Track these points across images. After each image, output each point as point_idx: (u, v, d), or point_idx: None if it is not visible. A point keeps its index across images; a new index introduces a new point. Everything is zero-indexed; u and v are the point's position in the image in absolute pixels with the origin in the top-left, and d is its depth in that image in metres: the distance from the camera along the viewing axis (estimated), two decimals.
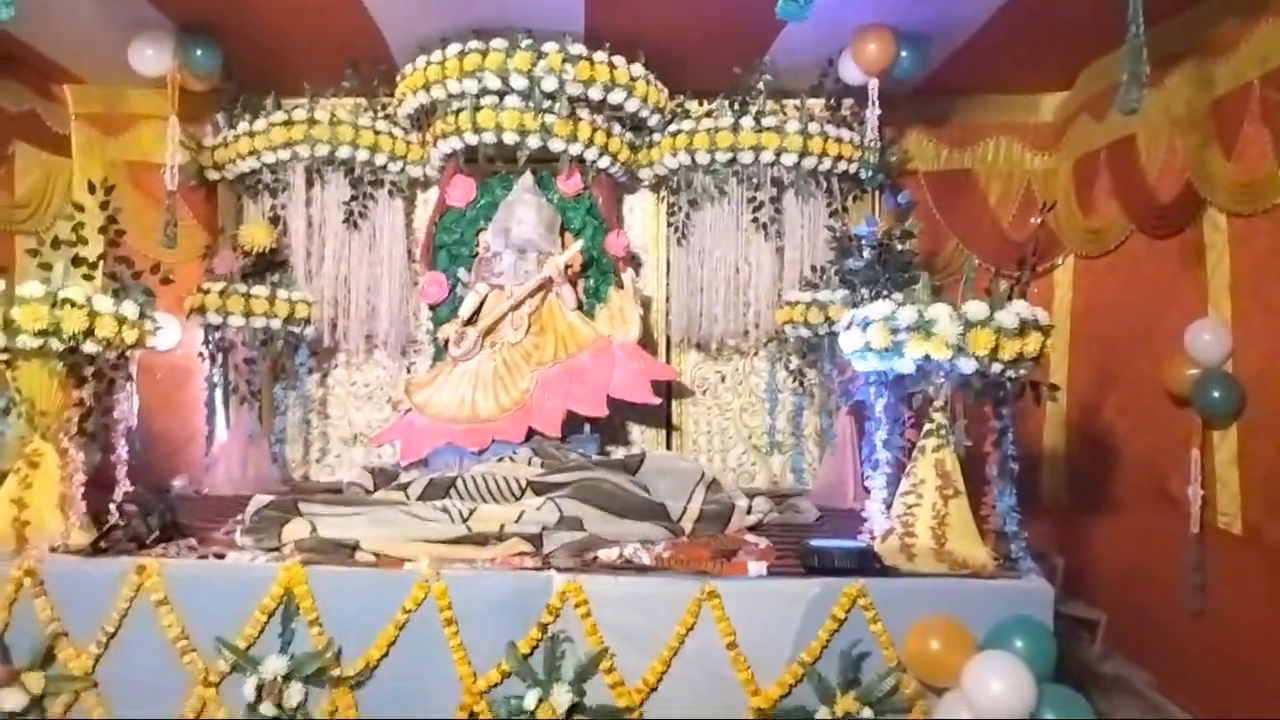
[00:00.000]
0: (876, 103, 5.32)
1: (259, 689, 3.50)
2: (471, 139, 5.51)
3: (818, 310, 5.36)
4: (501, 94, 5.35)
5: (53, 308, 3.77)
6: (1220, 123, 4.53)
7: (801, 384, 5.94)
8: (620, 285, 5.73)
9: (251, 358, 5.74)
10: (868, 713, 3.47)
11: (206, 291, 5.57)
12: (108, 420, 4.27)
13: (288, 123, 5.80)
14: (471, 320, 5.63)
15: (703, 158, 5.76)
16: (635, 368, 5.46)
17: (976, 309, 3.54)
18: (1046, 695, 3.16)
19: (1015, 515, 3.74)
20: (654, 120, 5.80)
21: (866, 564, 3.63)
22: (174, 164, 5.51)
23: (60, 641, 3.63)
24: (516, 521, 4.06)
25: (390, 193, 6.09)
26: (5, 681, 3.55)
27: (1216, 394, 4.49)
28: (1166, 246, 5.06)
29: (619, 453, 5.43)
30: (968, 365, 3.55)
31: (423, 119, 5.85)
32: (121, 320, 3.97)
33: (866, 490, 4.15)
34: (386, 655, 3.56)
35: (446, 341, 5.64)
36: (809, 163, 5.70)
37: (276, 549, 3.90)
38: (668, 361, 6.17)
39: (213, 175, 6.19)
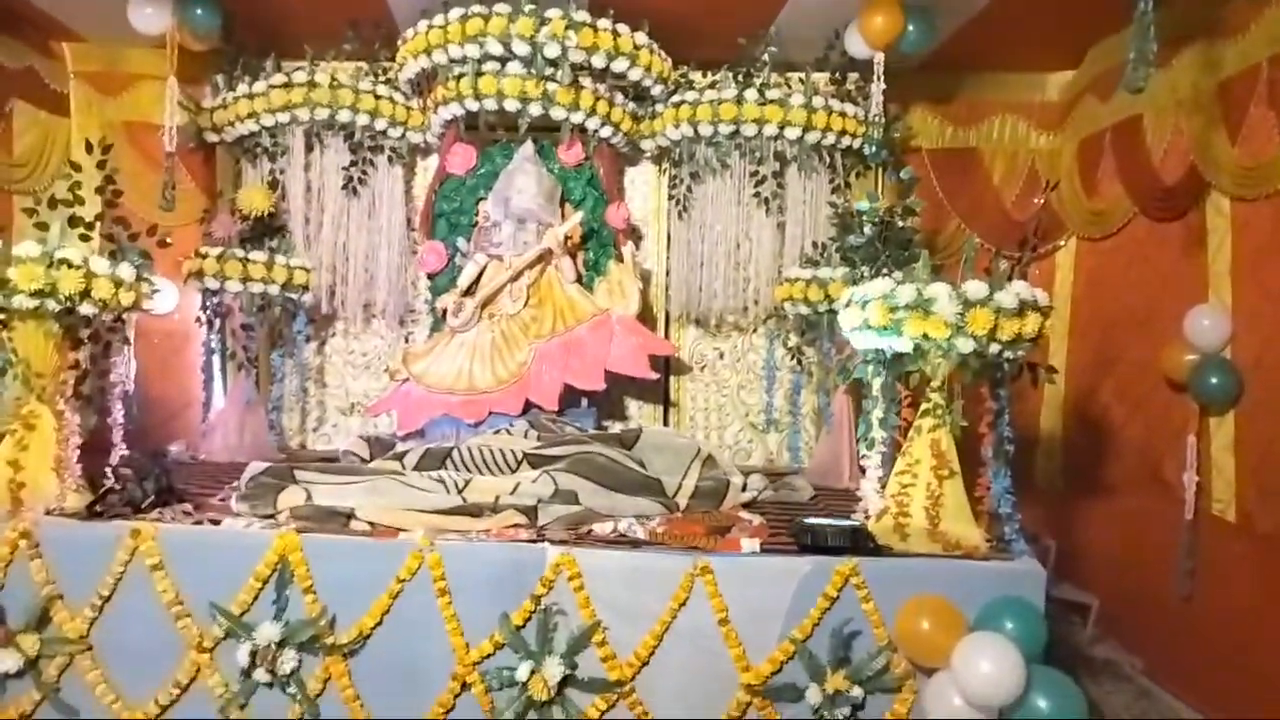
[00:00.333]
0: (882, 77, 5.26)
1: (252, 655, 3.52)
2: (472, 105, 5.46)
3: (817, 288, 5.33)
4: (503, 60, 5.30)
5: (49, 268, 3.73)
6: (1226, 105, 4.48)
7: (800, 362, 5.94)
8: (620, 258, 5.71)
9: (249, 324, 5.72)
10: (857, 691, 3.49)
11: (204, 256, 5.53)
12: (104, 383, 4.26)
13: (287, 85, 5.74)
14: (470, 291, 5.61)
15: (705, 130, 5.71)
16: (633, 342, 5.45)
17: (976, 289, 3.52)
18: (1036, 677, 3.17)
19: (1009, 497, 3.73)
20: (657, 90, 5.75)
21: (860, 543, 3.63)
22: (172, 125, 5.43)
23: (55, 604, 3.64)
24: (512, 494, 4.07)
25: (390, 159, 6.04)
26: (1, 643, 3.57)
27: (1214, 380, 4.48)
28: (1169, 230, 5.04)
29: (616, 428, 5.43)
30: (966, 345, 3.53)
31: (423, 84, 5.79)
32: (118, 282, 3.94)
33: (862, 470, 4.15)
34: (380, 624, 3.57)
35: (444, 312, 5.62)
36: (812, 137, 5.65)
37: (272, 516, 3.91)
38: (666, 337, 6.15)
39: (211, 138, 6.14)
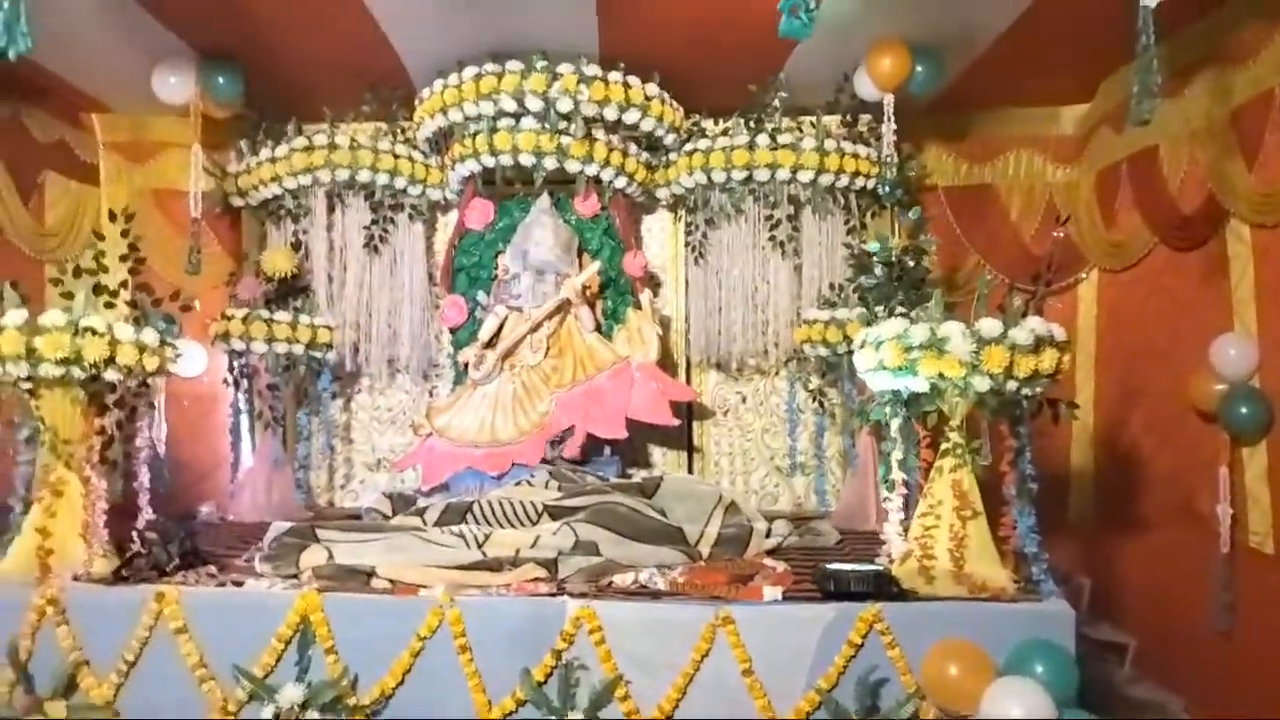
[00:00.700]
0: (892, 118, 5.29)
1: (276, 718, 3.52)
2: (489, 161, 5.54)
3: (836, 329, 5.33)
4: (517, 116, 5.39)
5: (74, 336, 3.81)
6: (1241, 132, 4.44)
7: (821, 405, 5.91)
8: (638, 306, 5.73)
9: (274, 384, 5.80)
10: None
11: (230, 318, 5.63)
12: (129, 448, 4.32)
13: (308, 148, 5.87)
14: (491, 343, 5.65)
15: (719, 176, 5.76)
16: (654, 389, 5.46)
17: (990, 326, 3.50)
18: None
19: (1035, 536, 3.67)
20: (670, 139, 5.81)
21: (883, 588, 3.58)
22: (197, 191, 5.59)
23: (82, 670, 3.67)
24: (532, 546, 4.07)
25: (410, 216, 6.14)
26: (29, 710, 3.60)
27: (1244, 410, 4.39)
28: (1189, 259, 4.97)
29: (640, 475, 5.41)
30: (982, 383, 3.51)
31: (441, 142, 5.89)
32: (142, 348, 4.02)
33: (886, 513, 4.10)
34: (402, 683, 3.57)
35: (466, 365, 5.67)
36: (826, 179, 5.68)
37: (295, 576, 3.93)
38: (688, 382, 6.15)
39: (237, 202, 6.27)
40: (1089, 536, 5.69)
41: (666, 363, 5.90)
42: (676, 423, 5.56)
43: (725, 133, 5.84)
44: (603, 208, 5.80)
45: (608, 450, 5.53)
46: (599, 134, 5.48)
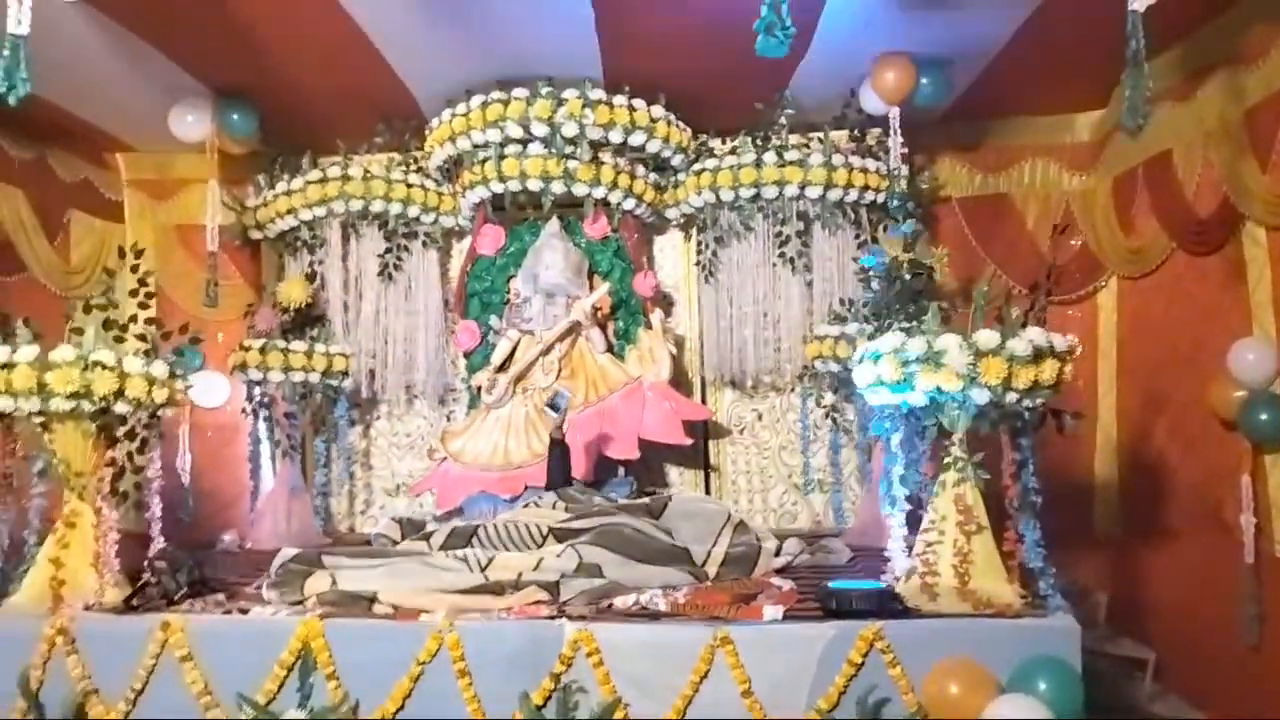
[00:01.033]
0: (898, 131, 5.26)
1: None
2: (498, 187, 5.60)
3: (846, 344, 5.27)
4: (524, 142, 5.44)
5: (84, 370, 3.89)
6: (1254, 134, 4.36)
7: (835, 421, 5.84)
8: (649, 326, 5.73)
9: (291, 412, 5.87)
10: None
11: (247, 348, 5.72)
12: (141, 479, 4.38)
13: (322, 180, 5.97)
14: (504, 367, 5.68)
15: (727, 195, 5.75)
16: (666, 408, 5.45)
17: (986, 338, 3.45)
18: None
19: (1040, 550, 3.58)
20: (677, 160, 5.82)
21: (886, 605, 3.52)
22: (214, 225, 5.72)
23: (91, 699, 3.70)
24: (535, 569, 4.04)
25: (424, 244, 6.21)
26: None
27: (1264, 416, 4.29)
28: (1208, 264, 4.88)
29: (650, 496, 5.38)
30: (981, 396, 3.44)
31: (452, 170, 5.96)
32: (151, 380, 4.08)
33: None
34: (402, 708, 3.55)
35: (480, 389, 5.69)
36: (834, 194, 5.66)
37: (300, 602, 3.94)
38: (703, 401, 6.12)
39: (256, 235, 6.39)
40: (1115, 548, 5.55)
41: (682, 381, 5.88)
42: (689, 442, 5.54)
43: (733, 151, 5.84)
44: (613, 229, 5.82)
45: (621, 470, 5.52)
46: (606, 157, 5.52)
